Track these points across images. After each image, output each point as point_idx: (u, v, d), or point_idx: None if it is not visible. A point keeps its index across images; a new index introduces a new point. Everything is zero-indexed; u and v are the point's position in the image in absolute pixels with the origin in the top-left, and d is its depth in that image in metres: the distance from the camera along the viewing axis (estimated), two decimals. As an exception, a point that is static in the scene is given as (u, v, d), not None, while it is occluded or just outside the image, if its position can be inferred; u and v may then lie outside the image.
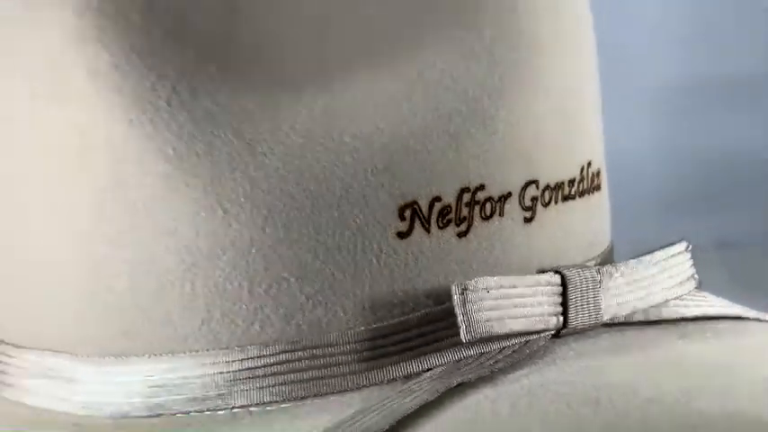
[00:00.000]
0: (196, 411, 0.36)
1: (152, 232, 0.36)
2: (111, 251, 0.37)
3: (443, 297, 0.37)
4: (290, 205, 0.36)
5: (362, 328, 0.37)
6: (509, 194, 0.38)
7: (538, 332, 0.38)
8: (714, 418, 0.32)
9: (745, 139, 0.87)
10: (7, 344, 0.39)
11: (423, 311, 0.37)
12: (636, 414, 0.33)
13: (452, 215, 0.38)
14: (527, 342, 0.38)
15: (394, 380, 0.37)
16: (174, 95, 0.36)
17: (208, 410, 0.37)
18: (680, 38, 0.87)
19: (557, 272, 0.39)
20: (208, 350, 0.36)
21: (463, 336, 0.36)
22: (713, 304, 0.41)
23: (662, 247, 0.41)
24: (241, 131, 0.35)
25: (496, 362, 0.37)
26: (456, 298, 0.36)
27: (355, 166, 0.36)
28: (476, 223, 0.38)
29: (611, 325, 0.40)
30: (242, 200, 0.35)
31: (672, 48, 0.88)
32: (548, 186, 0.40)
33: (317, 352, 0.36)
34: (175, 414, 0.37)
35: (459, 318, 0.36)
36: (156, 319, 0.36)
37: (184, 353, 0.36)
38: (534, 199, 0.39)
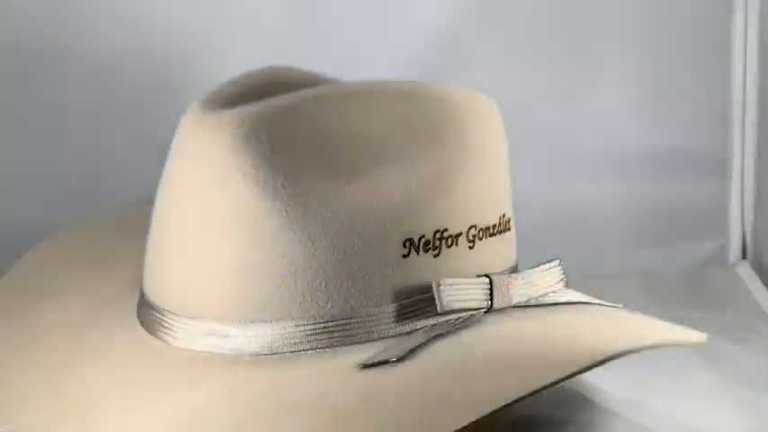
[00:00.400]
0: (296, 350, 0.53)
1: (273, 257, 0.53)
2: (251, 268, 0.53)
3: (427, 289, 0.53)
4: (346, 241, 0.53)
5: (385, 306, 0.54)
6: (460, 233, 0.55)
7: (477, 309, 0.54)
8: (564, 348, 0.52)
9: (675, 195, 0.98)
10: (178, 315, 0.56)
11: (417, 297, 0.54)
12: (526, 342, 0.53)
13: (431, 245, 0.54)
14: (472, 315, 0.54)
15: (401, 334, 0.53)
16: (285, 181, 0.53)
17: (302, 350, 0.53)
18: (636, 115, 0.98)
19: (486, 276, 0.55)
20: (302, 318, 0.53)
21: (438, 309, 0.53)
22: (575, 295, 0.58)
23: (545, 262, 0.57)
24: (321, 201, 0.53)
25: (456, 324, 0.53)
26: (434, 289, 0.53)
27: (380, 219, 0.53)
28: (443, 249, 0.54)
29: (517, 307, 0.56)
30: (321, 238, 0.53)
31: (627, 122, 0.98)
32: (481, 229, 0.56)
33: (361, 319, 0.53)
34: (284, 353, 0.53)
35: (436, 299, 0.53)
36: (276, 302, 0.53)
37: (291, 319, 0.53)
38: (474, 236, 0.56)
